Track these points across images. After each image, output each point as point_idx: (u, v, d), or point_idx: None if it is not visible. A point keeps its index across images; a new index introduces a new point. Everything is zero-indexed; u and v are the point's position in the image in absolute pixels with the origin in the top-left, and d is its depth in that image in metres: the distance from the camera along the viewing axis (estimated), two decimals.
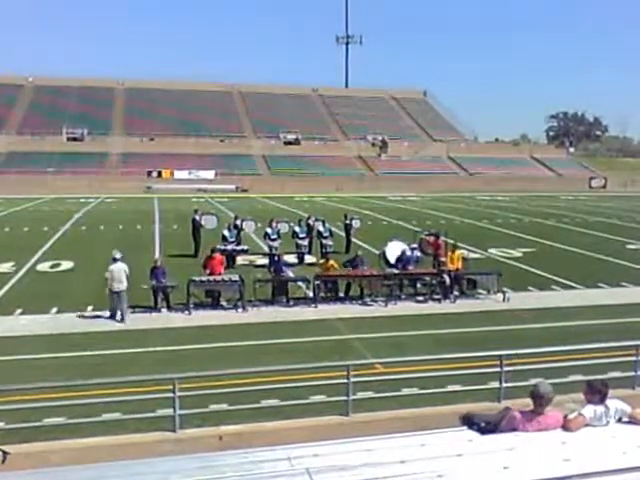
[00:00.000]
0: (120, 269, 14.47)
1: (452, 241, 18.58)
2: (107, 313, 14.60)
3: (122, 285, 14.36)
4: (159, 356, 11.95)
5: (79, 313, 14.84)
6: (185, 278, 15.24)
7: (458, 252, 17.82)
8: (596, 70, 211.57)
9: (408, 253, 17.44)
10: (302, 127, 79.42)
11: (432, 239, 19.91)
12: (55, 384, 8.88)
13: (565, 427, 4.72)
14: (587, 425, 4.76)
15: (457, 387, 9.58)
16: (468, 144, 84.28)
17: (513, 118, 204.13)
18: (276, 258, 17.58)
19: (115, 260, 14.63)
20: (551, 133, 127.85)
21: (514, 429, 4.79)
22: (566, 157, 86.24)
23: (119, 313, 14.39)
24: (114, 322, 14.19)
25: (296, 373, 9.61)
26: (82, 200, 49.04)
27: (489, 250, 24.31)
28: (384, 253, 17.99)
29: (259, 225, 25.18)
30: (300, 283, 16.81)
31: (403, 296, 16.67)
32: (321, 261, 17.69)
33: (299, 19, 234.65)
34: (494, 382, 9.30)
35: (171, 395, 8.23)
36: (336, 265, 16.94)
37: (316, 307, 15.59)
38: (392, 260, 17.52)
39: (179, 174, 66.48)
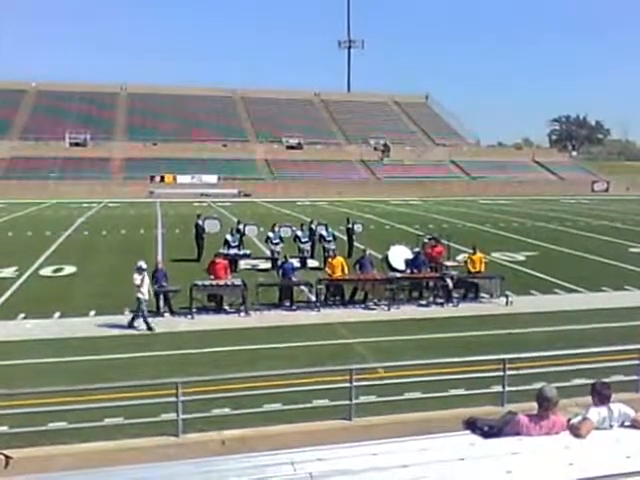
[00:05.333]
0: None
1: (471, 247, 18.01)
2: (110, 317, 14.72)
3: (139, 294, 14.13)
4: (162, 360, 11.95)
5: (82, 318, 14.86)
6: (188, 282, 15.26)
7: (479, 254, 17.57)
8: (598, 73, 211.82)
9: (420, 257, 17.45)
10: (304, 131, 79.38)
11: (429, 245, 19.63)
12: (58, 388, 8.87)
13: (575, 434, 4.67)
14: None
15: (460, 391, 9.55)
16: (470, 148, 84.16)
17: (515, 122, 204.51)
18: (279, 263, 17.52)
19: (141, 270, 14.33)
20: (553, 137, 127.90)
21: (518, 433, 4.77)
22: (569, 161, 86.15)
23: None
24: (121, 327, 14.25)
25: (299, 377, 9.62)
26: (85, 205, 49.09)
27: (492, 254, 24.26)
28: (387, 257, 17.97)
29: (261, 229, 25.20)
30: (303, 287, 16.80)
31: (406, 299, 16.65)
32: (329, 260, 17.56)
33: (301, 24, 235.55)
34: (497, 386, 9.28)
35: (174, 399, 8.23)
36: (344, 262, 16.89)
37: (319, 311, 15.58)
38: (395, 264, 17.49)
39: (182, 179, 66.49)
